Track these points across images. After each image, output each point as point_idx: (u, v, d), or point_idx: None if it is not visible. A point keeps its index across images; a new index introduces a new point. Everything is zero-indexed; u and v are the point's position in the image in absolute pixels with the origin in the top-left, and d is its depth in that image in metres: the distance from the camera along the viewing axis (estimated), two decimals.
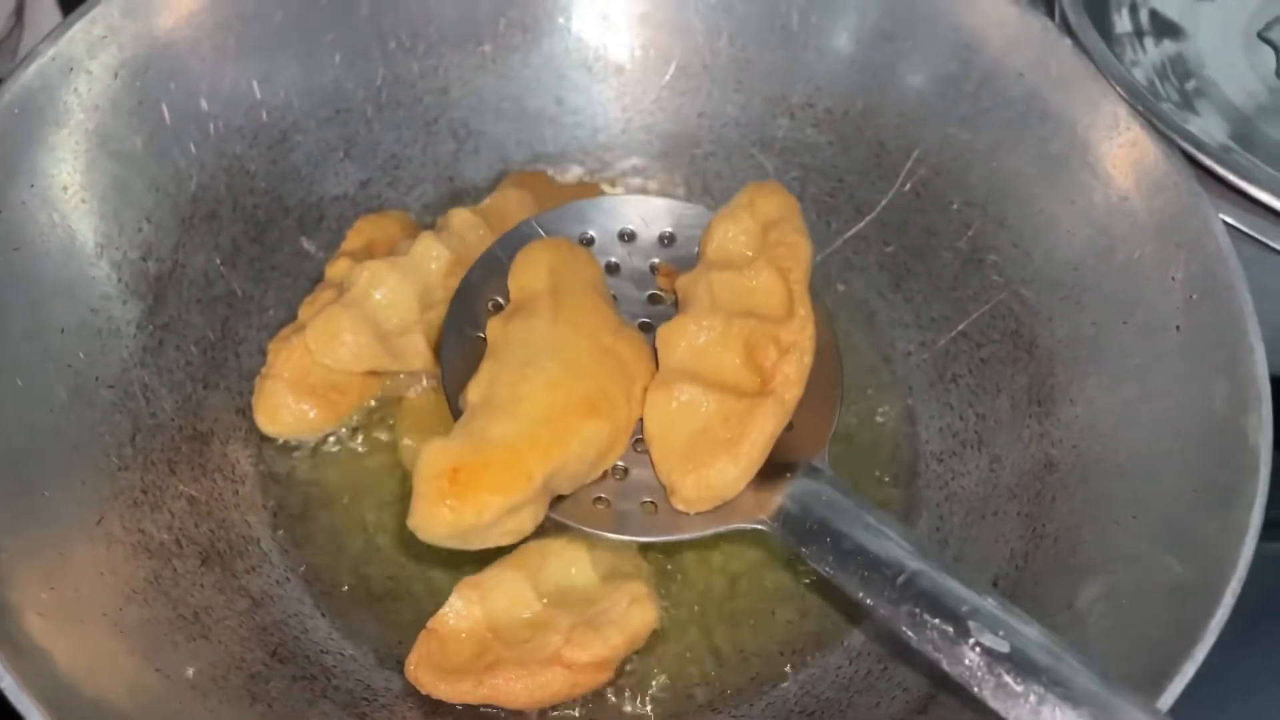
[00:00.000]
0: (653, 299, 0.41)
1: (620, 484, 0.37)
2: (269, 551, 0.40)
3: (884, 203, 0.48)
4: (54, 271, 0.38)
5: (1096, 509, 0.38)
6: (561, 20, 0.49)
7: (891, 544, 0.34)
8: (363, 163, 0.47)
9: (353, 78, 0.47)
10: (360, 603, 0.39)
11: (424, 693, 0.36)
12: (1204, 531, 0.34)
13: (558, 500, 0.37)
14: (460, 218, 0.44)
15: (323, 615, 0.39)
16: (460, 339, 0.39)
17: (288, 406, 0.41)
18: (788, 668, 0.39)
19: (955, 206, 0.46)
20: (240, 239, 0.44)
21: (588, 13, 0.49)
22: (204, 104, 0.43)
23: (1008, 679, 0.31)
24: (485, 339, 0.38)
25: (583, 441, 0.35)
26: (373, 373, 0.42)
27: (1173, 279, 0.40)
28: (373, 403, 0.43)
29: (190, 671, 0.34)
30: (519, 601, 0.37)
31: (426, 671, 0.35)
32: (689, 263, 0.41)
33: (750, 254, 0.39)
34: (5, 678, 0.28)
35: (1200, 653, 0.31)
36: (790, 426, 0.37)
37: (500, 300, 0.40)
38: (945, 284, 0.46)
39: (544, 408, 0.35)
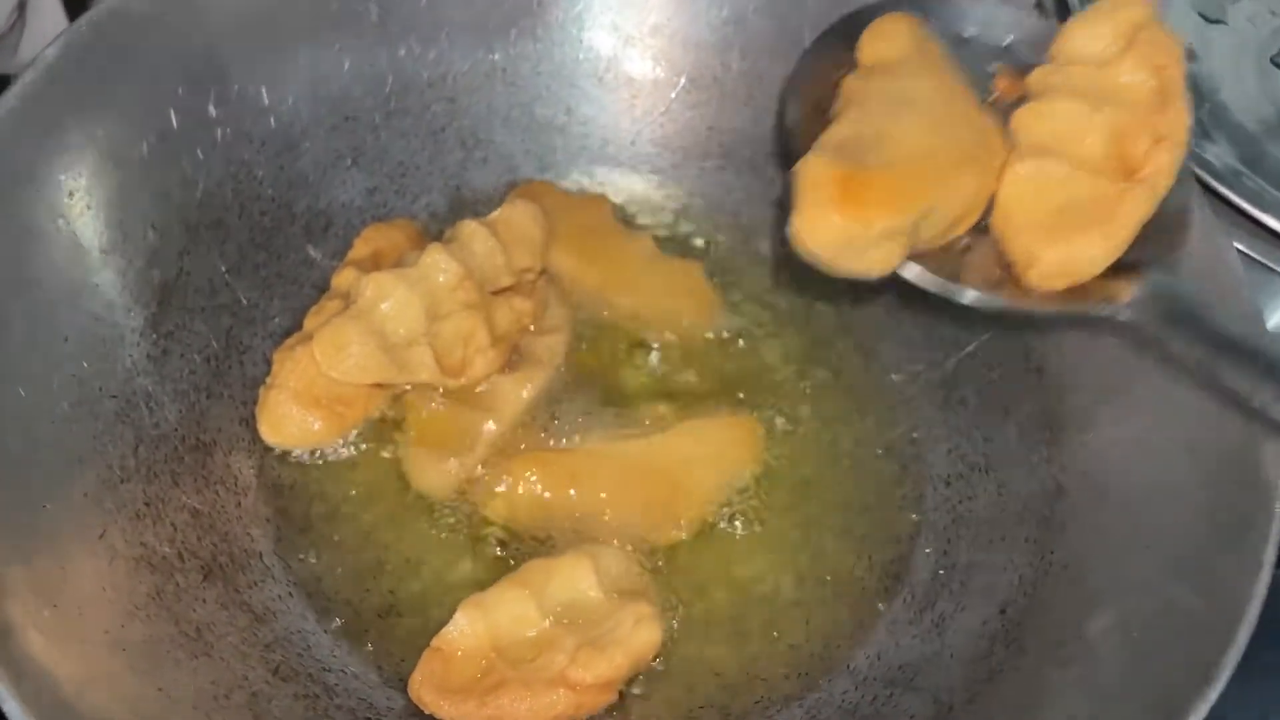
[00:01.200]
0: (993, 105, 0.39)
1: (966, 257, 0.36)
2: (271, 566, 0.39)
3: None
4: (58, 279, 0.38)
5: (1107, 538, 0.38)
6: (573, 30, 0.49)
7: (1261, 338, 0.33)
8: (370, 171, 0.47)
9: (361, 85, 0.46)
10: (363, 618, 0.39)
11: (427, 713, 0.35)
12: (1217, 565, 0.34)
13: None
14: (469, 229, 0.43)
15: (325, 631, 0.38)
16: (802, 101, 0.37)
17: (292, 417, 0.41)
18: (793, 691, 0.39)
19: None
20: (246, 247, 0.44)
21: (600, 23, 0.49)
22: (212, 110, 0.42)
23: None
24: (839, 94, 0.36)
25: (955, 189, 0.35)
26: (379, 385, 0.42)
27: None
28: (378, 415, 0.43)
29: (192, 690, 0.34)
30: (523, 620, 0.37)
31: (430, 691, 0.35)
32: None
33: (1115, 51, 0.37)
34: (9, 700, 0.27)
35: (1213, 692, 0.31)
36: (1149, 227, 0.36)
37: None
38: (954, 304, 0.46)
39: (920, 147, 0.34)
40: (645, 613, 0.37)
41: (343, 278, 0.43)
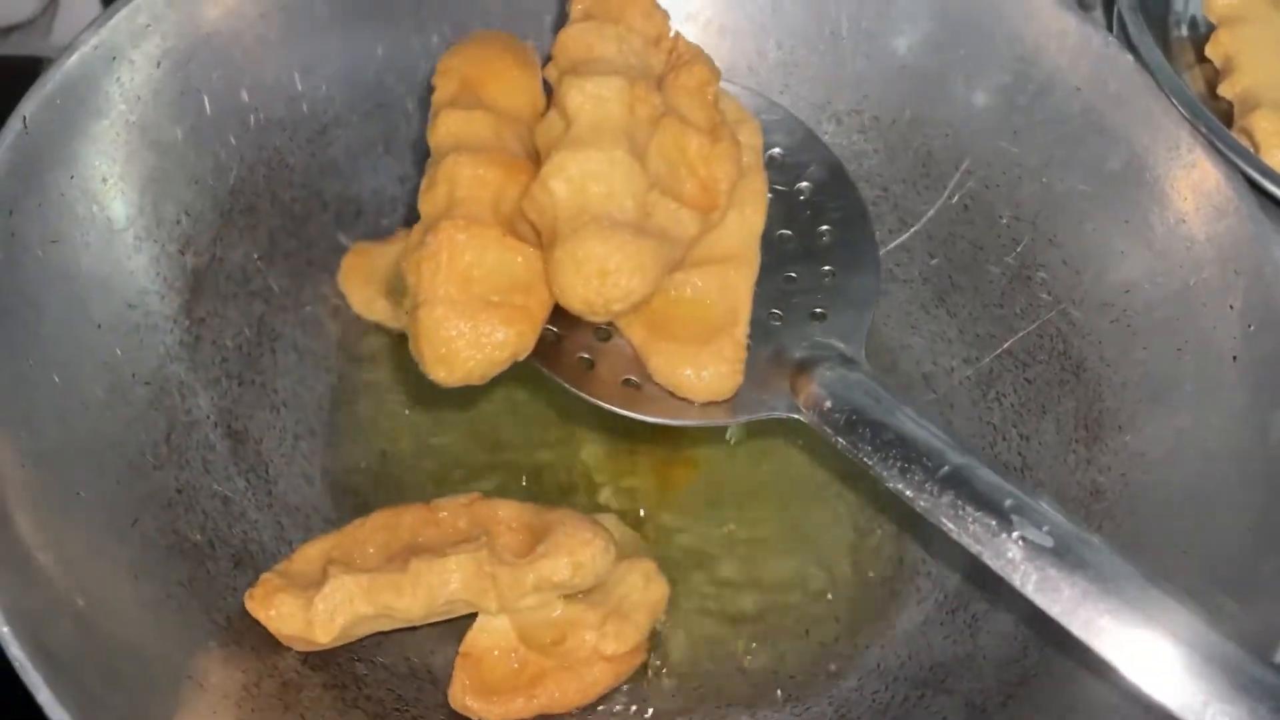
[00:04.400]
0: None
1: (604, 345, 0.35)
2: None
3: (930, 214, 0.47)
4: (92, 265, 0.38)
5: (1145, 541, 0.37)
6: None
7: (933, 437, 0.32)
8: (401, 157, 0.47)
9: (394, 71, 0.46)
10: None
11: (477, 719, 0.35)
12: (1259, 572, 0.34)
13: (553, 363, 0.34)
14: (586, 34, 0.34)
15: None
16: None
17: (466, 336, 0.31)
18: (823, 690, 0.39)
19: (1004, 221, 0.45)
20: (278, 233, 0.44)
21: None
22: (245, 95, 0.42)
23: (1051, 572, 0.30)
24: None
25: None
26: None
27: (1231, 307, 0.39)
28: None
29: (223, 679, 0.34)
30: (541, 604, 0.36)
31: (474, 697, 0.35)
32: None
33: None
34: (42, 690, 0.28)
35: None
36: (823, 316, 0.36)
37: None
38: (992, 300, 0.45)
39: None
40: (650, 569, 0.37)
41: (444, 132, 0.33)
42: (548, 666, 0.35)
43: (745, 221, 0.36)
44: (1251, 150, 0.41)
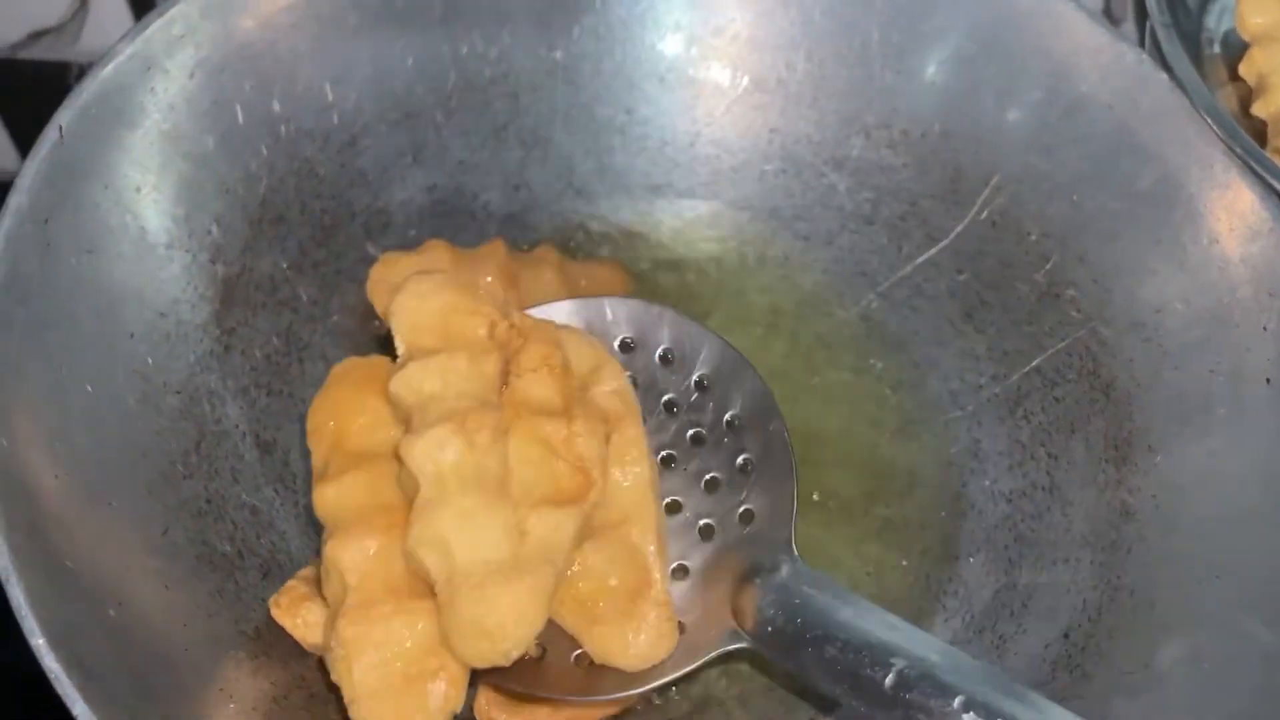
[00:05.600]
0: None
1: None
2: None
3: (959, 229, 0.47)
4: (125, 274, 0.38)
5: (1177, 565, 0.37)
6: (636, 29, 0.48)
7: (877, 634, 0.31)
8: (430, 168, 0.47)
9: (424, 82, 0.46)
10: None
11: None
12: None
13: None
14: (415, 374, 0.33)
15: None
16: None
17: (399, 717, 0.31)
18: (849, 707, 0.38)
19: (1033, 238, 0.45)
20: (307, 243, 0.44)
21: (664, 23, 0.48)
22: (276, 106, 0.42)
23: None
24: None
25: None
26: None
27: (1265, 329, 0.38)
28: None
29: (252, 690, 0.34)
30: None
31: (499, 709, 0.35)
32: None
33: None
34: (77, 703, 0.28)
35: None
36: (750, 518, 0.35)
37: None
38: (1020, 317, 0.45)
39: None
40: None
41: (322, 512, 0.33)
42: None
43: (630, 476, 0.34)
44: None
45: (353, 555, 0.32)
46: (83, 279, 0.36)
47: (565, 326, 0.37)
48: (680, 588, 0.35)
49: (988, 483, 0.43)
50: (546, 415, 0.33)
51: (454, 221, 0.47)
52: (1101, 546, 0.39)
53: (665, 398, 0.38)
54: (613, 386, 0.35)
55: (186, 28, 0.40)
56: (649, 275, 0.48)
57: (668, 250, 0.48)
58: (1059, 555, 0.40)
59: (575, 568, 0.33)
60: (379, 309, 0.44)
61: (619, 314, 0.39)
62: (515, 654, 0.31)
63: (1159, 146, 0.42)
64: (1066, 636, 0.38)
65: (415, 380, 0.33)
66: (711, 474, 0.37)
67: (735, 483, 0.36)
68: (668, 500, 0.36)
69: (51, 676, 0.28)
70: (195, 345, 0.40)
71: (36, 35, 0.56)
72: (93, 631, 0.31)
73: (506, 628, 0.30)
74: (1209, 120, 0.41)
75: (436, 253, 0.44)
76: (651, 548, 0.34)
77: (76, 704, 0.28)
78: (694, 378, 0.38)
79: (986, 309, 0.46)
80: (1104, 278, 0.43)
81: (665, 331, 0.38)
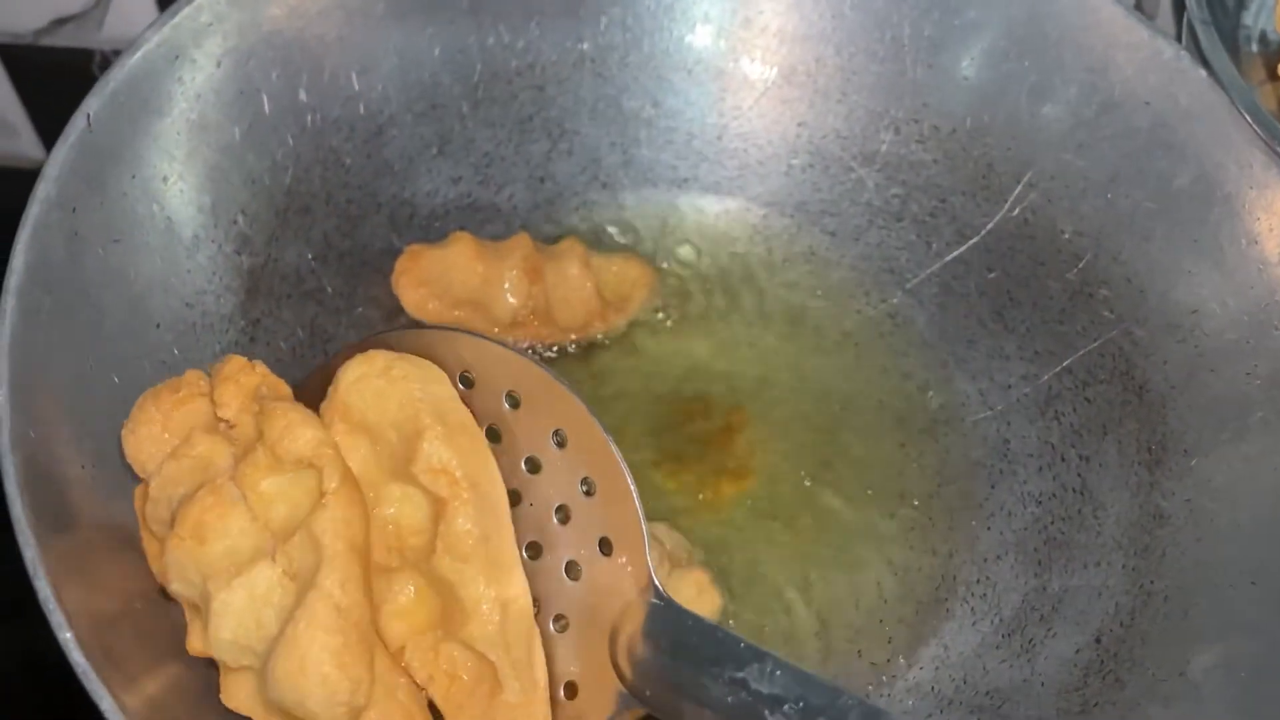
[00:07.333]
0: None
1: None
2: None
3: (990, 226, 0.46)
4: (151, 264, 0.38)
5: (1211, 570, 0.37)
6: (664, 21, 0.48)
7: (753, 685, 0.29)
8: (455, 160, 0.46)
9: (450, 73, 0.45)
10: None
11: None
12: None
13: None
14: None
15: None
16: None
17: None
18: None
19: (1066, 236, 0.44)
20: (332, 235, 0.43)
21: (691, 14, 0.48)
22: (303, 95, 0.42)
23: None
24: None
25: None
26: None
27: None
28: None
29: None
30: None
31: None
32: None
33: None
34: (105, 699, 0.27)
35: None
36: (610, 548, 0.32)
37: None
38: (1052, 316, 0.44)
39: None
40: (704, 580, 0.37)
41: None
42: None
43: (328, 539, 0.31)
44: None
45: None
46: (110, 269, 0.36)
47: (284, 404, 0.33)
48: (565, 642, 0.33)
49: (1017, 484, 0.42)
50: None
51: (479, 214, 0.47)
52: (1134, 551, 0.39)
53: (486, 425, 0.34)
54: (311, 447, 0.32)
55: (214, 16, 0.39)
56: (674, 269, 0.47)
57: (693, 244, 0.48)
58: (1090, 559, 0.40)
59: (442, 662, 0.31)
60: (404, 302, 0.44)
61: (404, 345, 0.34)
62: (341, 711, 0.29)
63: (1197, 145, 0.41)
64: (1098, 641, 0.37)
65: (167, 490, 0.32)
66: (560, 503, 0.33)
67: (584, 508, 0.33)
68: (528, 541, 0.33)
69: (79, 671, 0.28)
70: (221, 336, 0.39)
71: (60, 22, 0.55)
72: (121, 626, 0.30)
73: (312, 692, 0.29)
74: (1249, 118, 0.40)
75: (462, 245, 0.44)
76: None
77: (104, 699, 0.27)
78: (503, 397, 0.33)
79: (1017, 307, 0.45)
80: (1138, 277, 0.42)
81: (464, 354, 0.34)
